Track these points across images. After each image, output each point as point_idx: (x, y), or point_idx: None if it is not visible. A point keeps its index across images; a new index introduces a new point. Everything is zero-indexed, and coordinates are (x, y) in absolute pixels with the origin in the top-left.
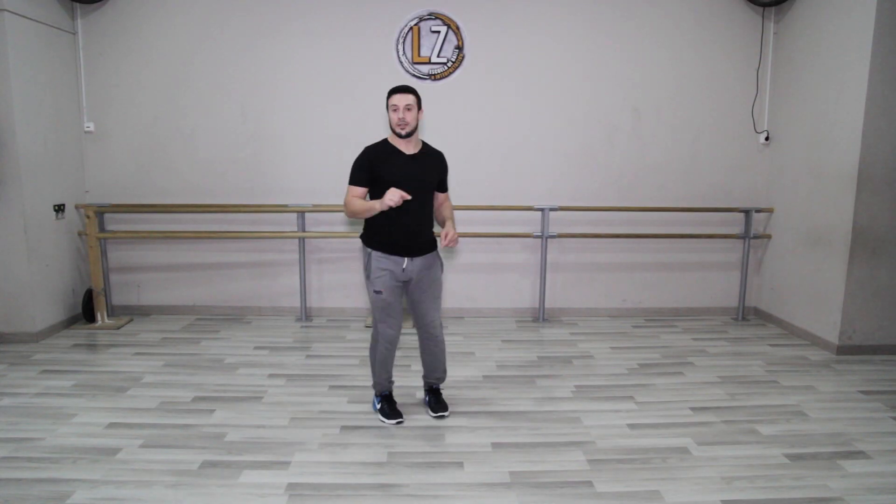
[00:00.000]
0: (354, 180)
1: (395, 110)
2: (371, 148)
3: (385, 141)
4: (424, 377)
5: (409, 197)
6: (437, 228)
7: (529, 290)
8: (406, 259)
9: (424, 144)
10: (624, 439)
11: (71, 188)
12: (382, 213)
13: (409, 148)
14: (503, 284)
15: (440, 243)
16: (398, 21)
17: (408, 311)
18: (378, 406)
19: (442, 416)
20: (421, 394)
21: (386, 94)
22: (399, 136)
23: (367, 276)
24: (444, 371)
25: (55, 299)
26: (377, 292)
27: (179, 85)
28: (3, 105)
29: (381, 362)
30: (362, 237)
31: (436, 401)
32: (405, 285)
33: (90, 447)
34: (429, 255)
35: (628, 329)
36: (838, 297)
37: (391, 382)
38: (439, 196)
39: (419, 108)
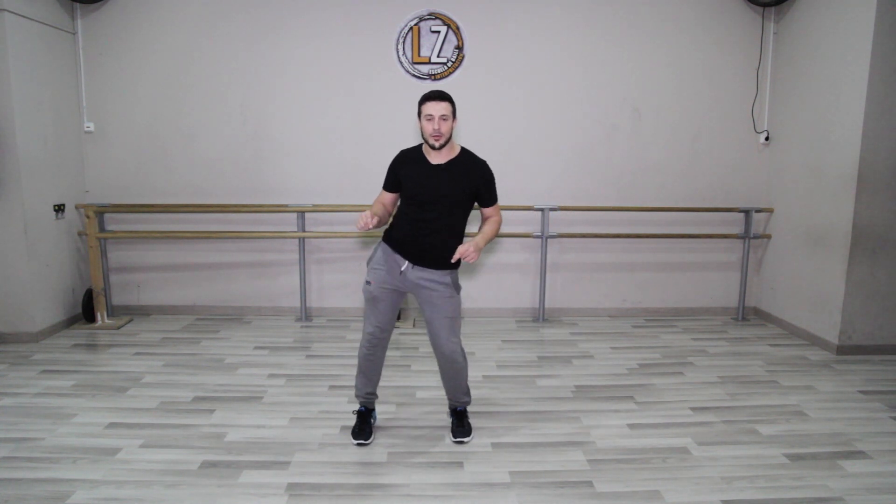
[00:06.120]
0: (384, 183)
1: (429, 120)
2: (403, 153)
3: (419, 147)
4: (448, 398)
5: (370, 226)
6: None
7: (529, 290)
8: (406, 263)
9: (463, 153)
10: (624, 439)
11: (71, 188)
12: (402, 213)
13: (438, 157)
14: (503, 284)
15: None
16: (398, 21)
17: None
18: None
19: (461, 442)
20: (422, 393)
21: (418, 101)
22: (433, 147)
23: (367, 264)
24: (467, 393)
25: (55, 299)
26: (367, 282)
27: (179, 85)
28: (3, 105)
29: (361, 365)
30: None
31: (457, 424)
32: (408, 294)
33: (90, 447)
34: (436, 272)
35: (628, 329)
36: (838, 297)
37: (370, 396)
38: (485, 211)
39: (454, 116)
